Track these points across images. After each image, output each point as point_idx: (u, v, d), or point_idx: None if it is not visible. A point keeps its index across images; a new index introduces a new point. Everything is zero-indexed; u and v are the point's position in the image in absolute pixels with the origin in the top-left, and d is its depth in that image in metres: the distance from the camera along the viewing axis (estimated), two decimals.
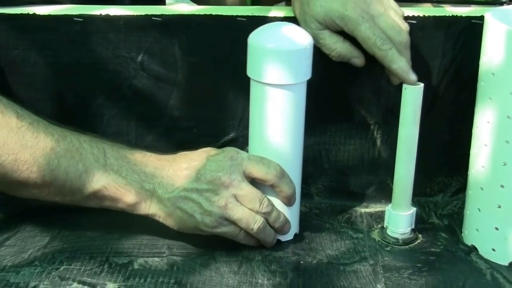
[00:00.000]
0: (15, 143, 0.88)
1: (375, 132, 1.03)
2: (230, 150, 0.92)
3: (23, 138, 0.88)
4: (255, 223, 0.90)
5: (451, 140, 1.03)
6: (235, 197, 0.90)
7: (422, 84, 0.92)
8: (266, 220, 0.92)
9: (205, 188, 0.89)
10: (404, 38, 0.93)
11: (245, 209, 0.90)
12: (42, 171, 0.88)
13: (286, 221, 0.94)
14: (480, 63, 0.91)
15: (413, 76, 0.93)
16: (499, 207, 0.91)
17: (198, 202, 0.90)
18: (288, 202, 0.94)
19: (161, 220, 0.92)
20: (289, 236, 0.96)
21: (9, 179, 0.89)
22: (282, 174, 0.92)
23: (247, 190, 0.90)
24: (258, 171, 0.91)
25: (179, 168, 0.91)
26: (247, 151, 0.95)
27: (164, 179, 0.90)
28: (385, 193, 1.02)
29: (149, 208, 0.91)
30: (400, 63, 0.92)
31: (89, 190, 0.90)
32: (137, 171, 0.90)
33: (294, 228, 0.97)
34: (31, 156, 0.88)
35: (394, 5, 0.95)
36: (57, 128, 0.91)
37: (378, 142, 1.03)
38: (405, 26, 0.93)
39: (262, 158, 0.92)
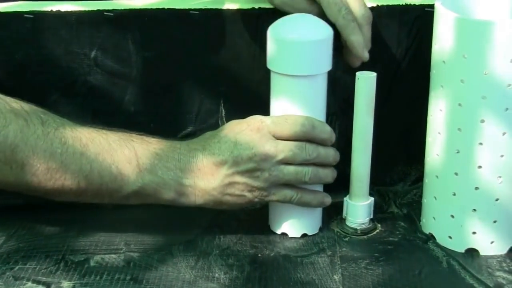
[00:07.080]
0: (44, 151, 0.87)
1: (332, 123, 1.02)
2: (254, 121, 0.91)
3: (52, 146, 0.87)
4: (305, 175, 0.91)
5: (409, 129, 1.03)
6: (277, 163, 0.90)
7: (374, 74, 0.92)
8: (318, 164, 0.92)
9: (245, 168, 0.89)
10: (365, 21, 0.94)
11: (289, 168, 0.90)
12: (76, 177, 0.88)
13: (335, 153, 0.93)
14: (432, 51, 0.91)
15: (366, 54, 0.94)
16: (454, 194, 0.91)
17: (244, 182, 0.90)
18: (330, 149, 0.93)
19: (212, 207, 0.92)
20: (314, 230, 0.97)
21: (43, 188, 0.88)
22: (312, 126, 0.91)
23: (285, 149, 0.90)
24: (287, 132, 0.90)
25: (212, 155, 0.90)
26: None
27: (201, 171, 0.90)
28: (345, 184, 1.01)
29: (195, 200, 0.91)
30: (358, 37, 0.93)
31: (127, 191, 0.90)
32: (172, 168, 0.90)
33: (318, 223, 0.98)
34: (62, 163, 0.87)
35: None
36: (83, 130, 0.89)
37: (336, 132, 1.02)
38: (369, 13, 0.95)
39: (287, 117, 0.91)
